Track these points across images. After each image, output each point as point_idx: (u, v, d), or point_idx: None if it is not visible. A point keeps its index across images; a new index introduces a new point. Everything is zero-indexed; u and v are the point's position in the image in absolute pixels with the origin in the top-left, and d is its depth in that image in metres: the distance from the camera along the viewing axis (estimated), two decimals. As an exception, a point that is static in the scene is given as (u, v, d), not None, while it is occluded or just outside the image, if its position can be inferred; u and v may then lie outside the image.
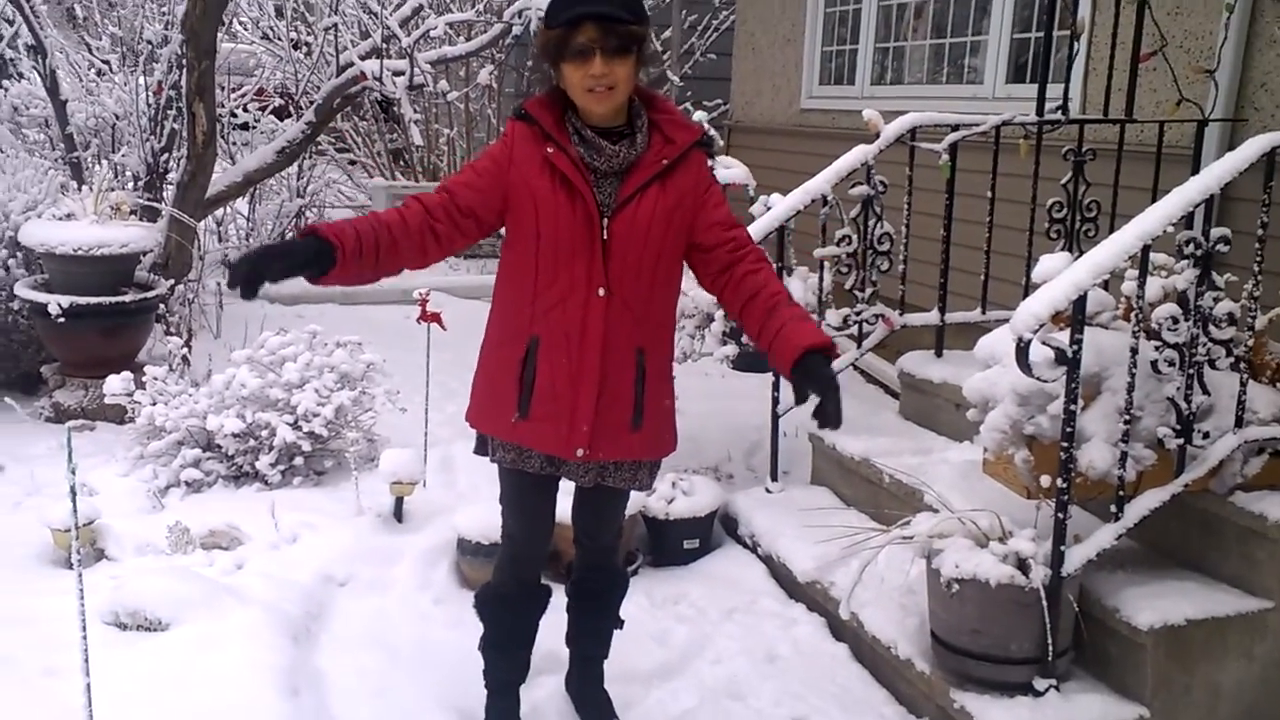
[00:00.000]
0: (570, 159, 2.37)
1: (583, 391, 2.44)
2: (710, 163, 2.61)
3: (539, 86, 2.52)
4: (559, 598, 2.89)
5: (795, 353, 2.25)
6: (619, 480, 2.60)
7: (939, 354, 4.20)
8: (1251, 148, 2.72)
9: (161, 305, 5.55)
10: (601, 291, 2.39)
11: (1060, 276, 2.57)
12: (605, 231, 2.38)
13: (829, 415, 2.20)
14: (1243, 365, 2.80)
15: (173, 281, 5.69)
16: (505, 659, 2.81)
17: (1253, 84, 3.94)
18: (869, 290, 4.08)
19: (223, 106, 7.39)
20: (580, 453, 2.47)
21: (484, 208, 2.41)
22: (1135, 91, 3.94)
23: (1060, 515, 2.65)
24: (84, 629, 2.55)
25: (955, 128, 4.03)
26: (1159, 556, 3.00)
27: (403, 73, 6.23)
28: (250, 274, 2.11)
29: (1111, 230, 3.99)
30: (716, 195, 2.51)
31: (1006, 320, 3.98)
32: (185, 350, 4.93)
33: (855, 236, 4.03)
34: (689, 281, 4.48)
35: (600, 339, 2.41)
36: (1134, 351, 2.66)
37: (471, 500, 3.96)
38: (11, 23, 7.75)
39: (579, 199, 2.37)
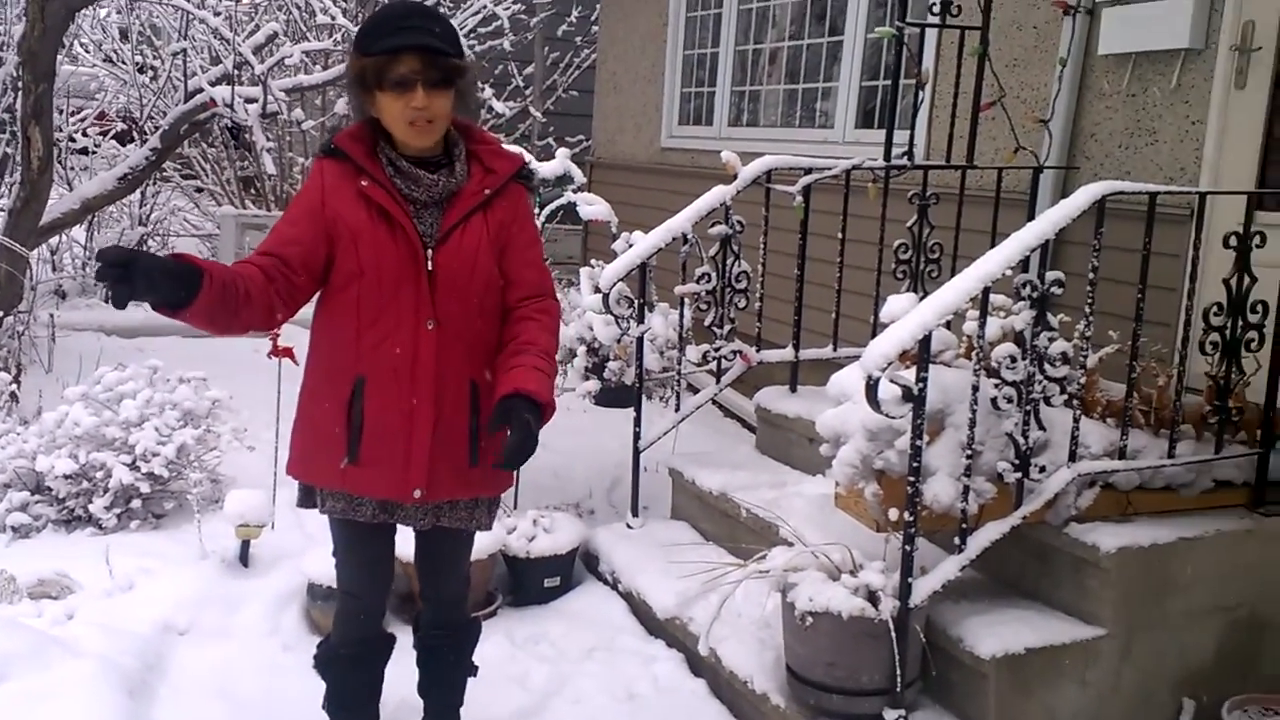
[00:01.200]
0: (386, 190, 2.33)
1: (418, 429, 2.36)
2: (533, 197, 2.62)
3: (350, 118, 2.48)
4: (407, 638, 2.80)
5: (506, 389, 2.27)
6: (455, 520, 2.53)
7: (794, 389, 4.29)
8: (1083, 196, 2.87)
9: (-12, 338, 5.23)
10: (431, 324, 2.34)
11: (907, 317, 2.66)
12: (430, 262, 2.34)
13: (508, 455, 2.22)
14: (1075, 402, 2.94)
15: (1, 314, 5.37)
16: (352, 715, 2.71)
17: (1084, 134, 4.18)
18: (727, 327, 4.14)
19: (61, 130, 7.04)
20: (418, 494, 2.39)
21: (312, 257, 2.33)
22: (976, 139, 4.13)
23: (907, 548, 2.72)
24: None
25: (809, 170, 4.15)
26: (1000, 586, 3.11)
27: (255, 100, 6.06)
28: (119, 266, 1.95)
29: (954, 271, 4.16)
30: (531, 232, 2.51)
31: (857, 357, 4.11)
32: (14, 386, 4.66)
33: (714, 274, 4.09)
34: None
35: (433, 373, 2.35)
36: (975, 389, 2.76)
37: (322, 543, 3.75)
38: None
39: (399, 230, 2.32)
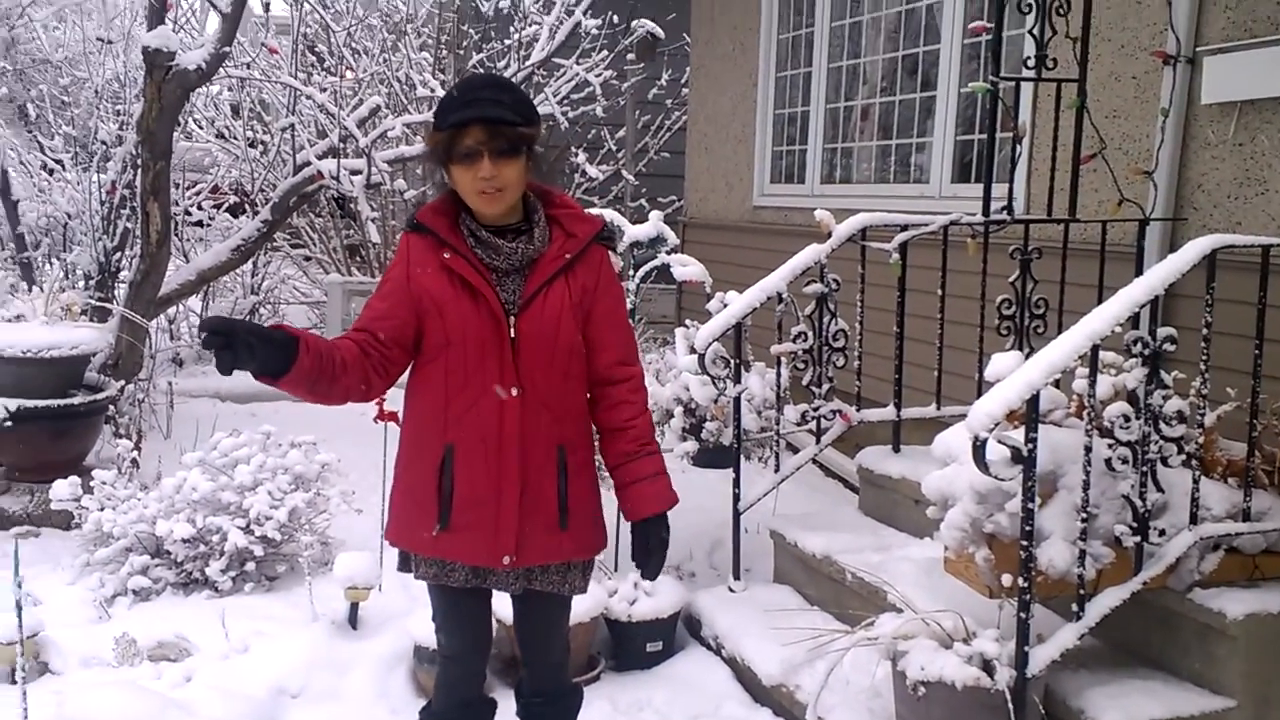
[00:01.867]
0: (467, 261, 2.39)
1: (505, 495, 2.40)
2: (615, 257, 2.65)
3: (435, 191, 2.55)
4: (510, 703, 2.80)
5: (639, 515, 2.50)
6: (548, 584, 2.54)
7: (896, 449, 4.23)
8: (1192, 250, 2.81)
9: (111, 406, 5.46)
10: (515, 391, 2.38)
11: (1013, 376, 2.61)
12: (513, 330, 2.38)
13: (650, 569, 2.52)
14: (1194, 462, 2.85)
15: (123, 383, 5.61)
16: None
17: (1190, 184, 4.09)
18: (826, 386, 4.12)
19: (177, 204, 7.38)
20: (507, 560, 2.42)
21: (403, 332, 2.41)
22: (1078, 192, 4.06)
23: (1023, 615, 2.65)
24: (25, 753, 2.45)
25: (904, 227, 4.13)
26: (1121, 654, 3.00)
27: (360, 171, 6.28)
28: (221, 334, 2.06)
29: (1060, 326, 4.08)
30: (615, 295, 2.52)
31: (961, 416, 4.04)
32: (135, 453, 4.84)
33: (811, 333, 4.08)
34: (649, 377, 4.51)
35: (518, 439, 2.39)
36: (1088, 449, 2.70)
37: (427, 605, 3.84)
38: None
39: (482, 300, 2.37)
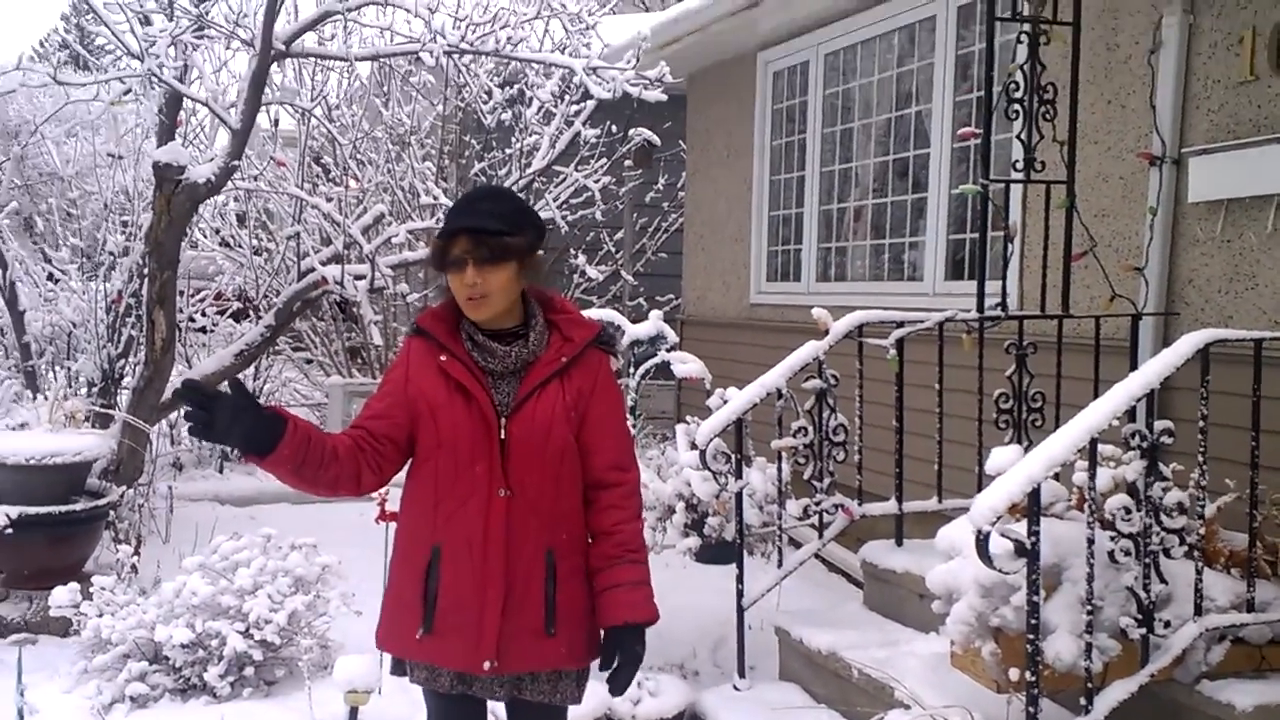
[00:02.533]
0: (463, 363, 2.44)
1: (489, 598, 2.39)
2: (615, 362, 2.69)
3: (437, 295, 2.62)
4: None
5: (609, 622, 2.43)
6: (538, 694, 2.49)
7: (899, 543, 4.23)
8: (1186, 344, 2.86)
9: (111, 511, 5.45)
10: (503, 492, 2.40)
11: (1013, 470, 2.64)
12: (503, 431, 2.41)
13: (617, 684, 2.41)
14: (1196, 553, 2.86)
15: (124, 488, 5.61)
16: None
17: (1181, 280, 4.16)
18: (827, 480, 4.13)
19: (181, 311, 7.48)
20: (487, 665, 2.39)
21: (397, 431, 2.46)
22: (1070, 288, 4.14)
23: (1031, 710, 2.63)
24: None
25: (900, 324, 4.19)
26: (1133, 749, 2.96)
27: (364, 276, 6.38)
28: (198, 400, 2.12)
29: (1058, 419, 4.11)
30: (611, 400, 2.54)
31: (963, 509, 4.05)
32: (135, 558, 4.82)
33: (811, 428, 4.11)
34: (649, 474, 4.53)
35: (503, 542, 2.39)
36: (1091, 542, 2.71)
37: (430, 709, 3.83)
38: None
39: (474, 402, 2.41)
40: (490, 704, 2.63)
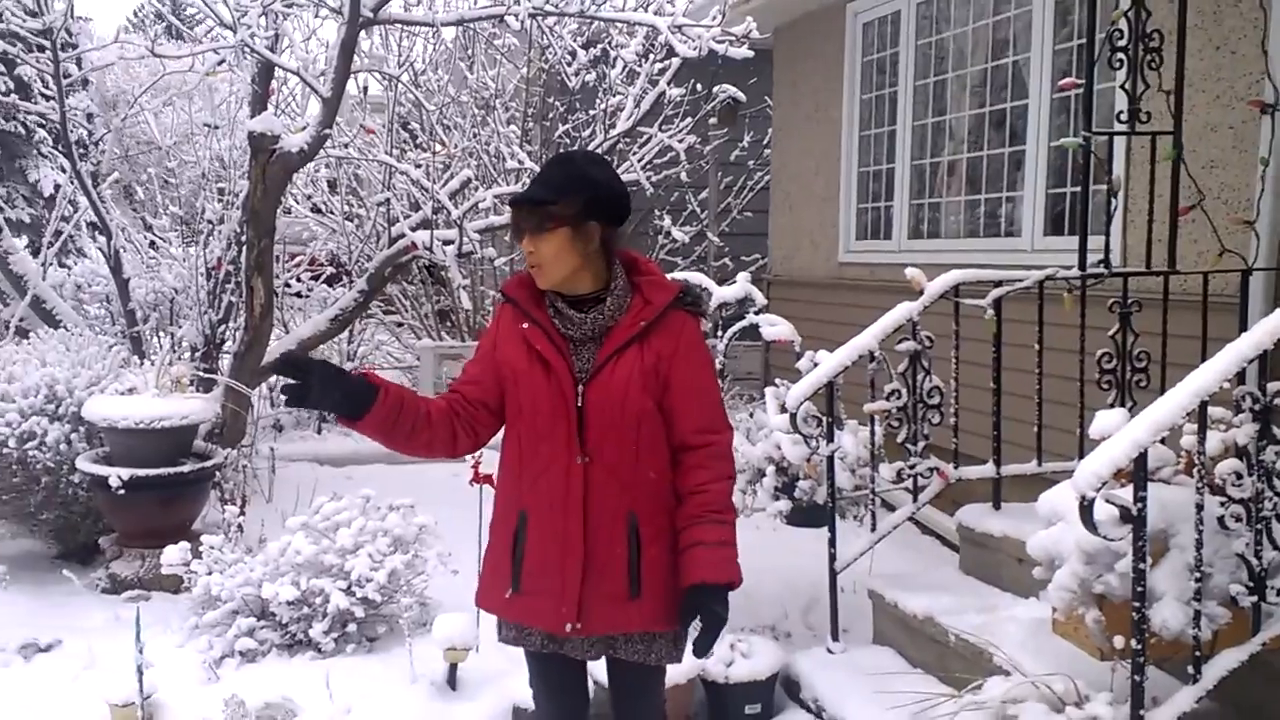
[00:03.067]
0: (544, 331, 2.46)
1: (569, 562, 2.42)
2: (704, 322, 2.65)
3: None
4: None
5: (689, 580, 2.39)
6: (632, 654, 2.51)
7: (997, 506, 4.16)
8: (1302, 300, 2.74)
9: (217, 473, 5.63)
10: (581, 459, 2.41)
11: (1119, 434, 2.57)
12: (580, 399, 2.42)
13: (700, 645, 2.37)
14: (1313, 518, 2.75)
15: (228, 450, 5.79)
16: None
17: (1293, 233, 3.99)
18: (921, 444, 4.07)
19: (277, 277, 7.65)
20: (569, 628, 2.43)
21: (488, 395, 2.51)
22: (1176, 243, 3.99)
23: (1137, 678, 2.57)
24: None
25: (998, 283, 4.09)
26: (1240, 716, 2.89)
27: (452, 241, 6.45)
28: (294, 372, 2.27)
29: (1163, 378, 3.99)
30: (696, 361, 2.50)
31: (1063, 472, 3.97)
32: (241, 518, 4.99)
33: (905, 390, 4.05)
34: (739, 436, 4.52)
35: (583, 507, 2.41)
36: (1199, 508, 2.63)
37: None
38: (75, 205, 8.18)
39: (552, 370, 2.43)
40: (592, 664, 2.66)
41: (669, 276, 2.64)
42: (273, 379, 7.52)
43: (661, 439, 2.47)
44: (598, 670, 2.79)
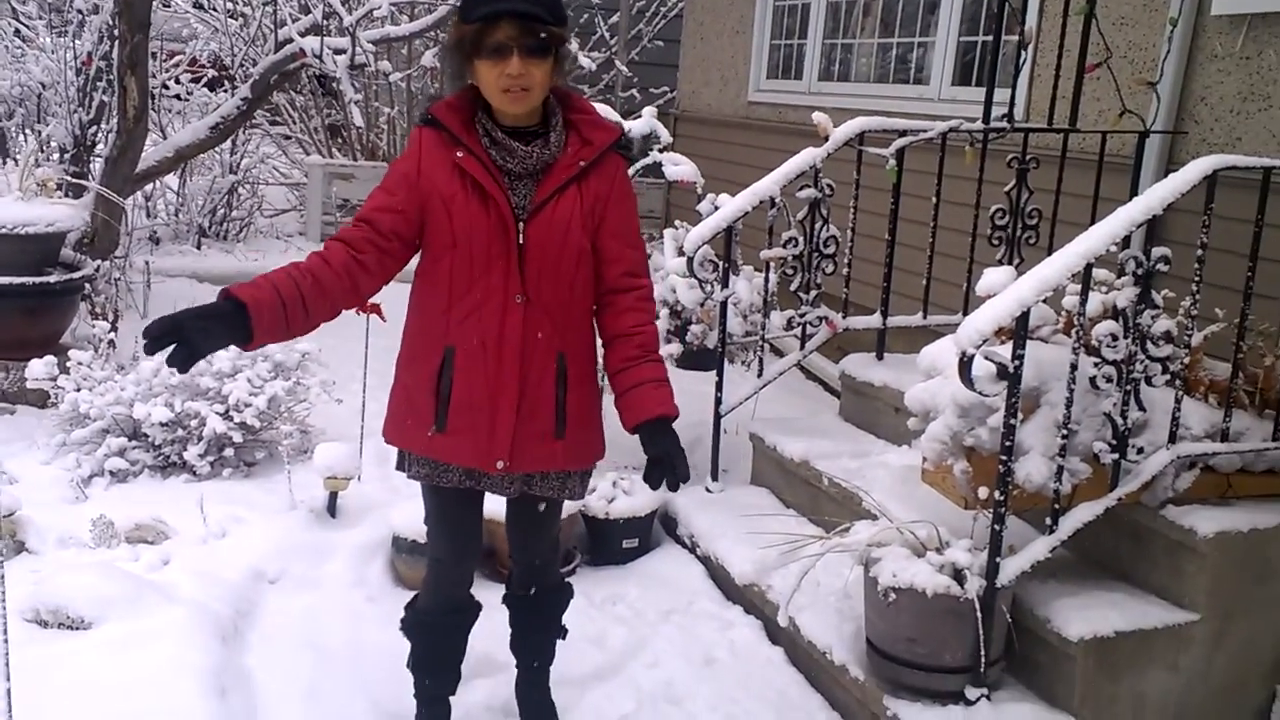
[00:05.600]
0: (481, 162, 2.31)
1: (502, 401, 2.37)
2: (631, 166, 2.56)
3: (451, 84, 2.44)
4: (494, 596, 2.83)
5: (643, 416, 2.35)
6: (547, 490, 2.53)
7: (880, 357, 4.22)
8: (1193, 170, 2.75)
9: (87, 285, 5.38)
10: (519, 298, 2.34)
11: (1005, 292, 2.58)
12: (521, 236, 2.32)
13: (670, 482, 2.32)
14: (1178, 382, 2.85)
15: (99, 261, 5.52)
16: (435, 678, 2.75)
17: (1193, 97, 4.00)
18: (813, 293, 4.08)
19: (154, 77, 7.16)
20: (500, 465, 2.40)
21: (406, 225, 2.34)
22: (1080, 101, 3.98)
23: (997, 527, 2.67)
24: (3, 630, 2.46)
25: (903, 133, 4.04)
26: (1090, 567, 3.04)
27: (344, 51, 6.10)
28: (165, 341, 2.01)
29: (1052, 236, 4.04)
30: (629, 206, 2.45)
31: (947, 326, 4.03)
32: (112, 333, 4.79)
33: (802, 239, 4.02)
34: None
35: (519, 346, 2.35)
36: (1074, 367, 2.68)
37: (408, 496, 3.86)
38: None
39: (492, 203, 2.31)
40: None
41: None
42: (149, 187, 7.15)
43: (591, 281, 2.42)
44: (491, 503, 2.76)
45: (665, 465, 2.33)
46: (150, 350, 2.04)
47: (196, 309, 2.09)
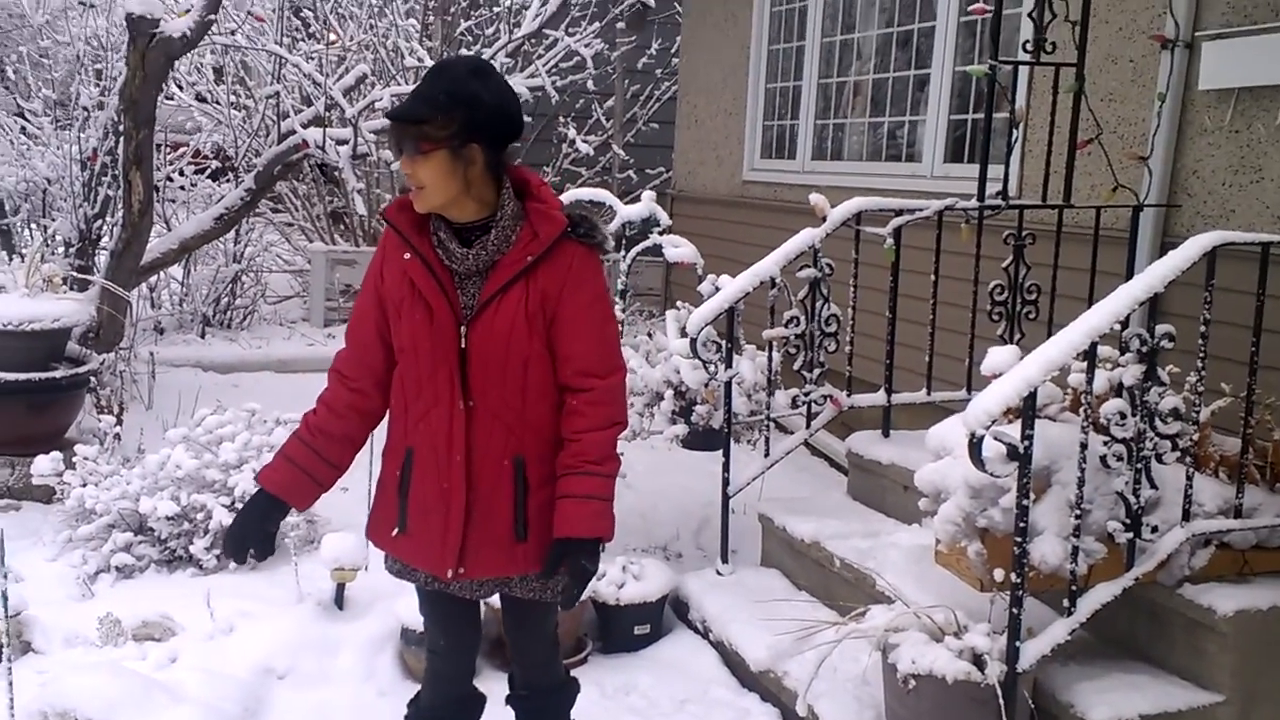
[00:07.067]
0: (426, 264, 2.28)
1: (452, 509, 2.33)
2: (606, 256, 2.45)
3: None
4: (502, 687, 2.75)
5: (558, 533, 2.31)
6: (528, 591, 2.45)
7: (886, 434, 4.22)
8: (1193, 247, 2.79)
9: (92, 378, 5.39)
10: (464, 404, 2.29)
11: (1011, 372, 2.60)
12: (463, 340, 2.28)
13: (564, 600, 2.36)
14: (1188, 459, 2.85)
15: (104, 355, 5.54)
16: None
17: (1185, 170, 4.06)
18: (817, 371, 4.09)
19: (158, 169, 7.26)
20: (450, 573, 2.36)
21: (388, 332, 2.38)
22: (1073, 176, 4.04)
23: (1015, 610, 2.65)
24: (10, 741, 2.43)
25: (899, 212, 4.09)
26: (1109, 648, 3.01)
27: (346, 141, 6.19)
28: (241, 550, 2.41)
29: (1052, 310, 4.07)
30: (586, 298, 2.31)
31: (951, 402, 4.04)
32: (118, 426, 4.79)
33: (803, 317, 4.05)
34: (638, 359, 4.48)
35: (465, 452, 2.31)
36: (1083, 446, 2.69)
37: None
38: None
39: (431, 310, 2.28)
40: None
41: (569, 193, 2.52)
42: (153, 280, 7.21)
43: (549, 381, 2.34)
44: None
45: (567, 581, 2.33)
46: (242, 561, 2.46)
47: (243, 517, 2.44)
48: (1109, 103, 4.33)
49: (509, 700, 2.74)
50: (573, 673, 2.87)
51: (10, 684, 2.49)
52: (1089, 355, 2.69)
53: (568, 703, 2.74)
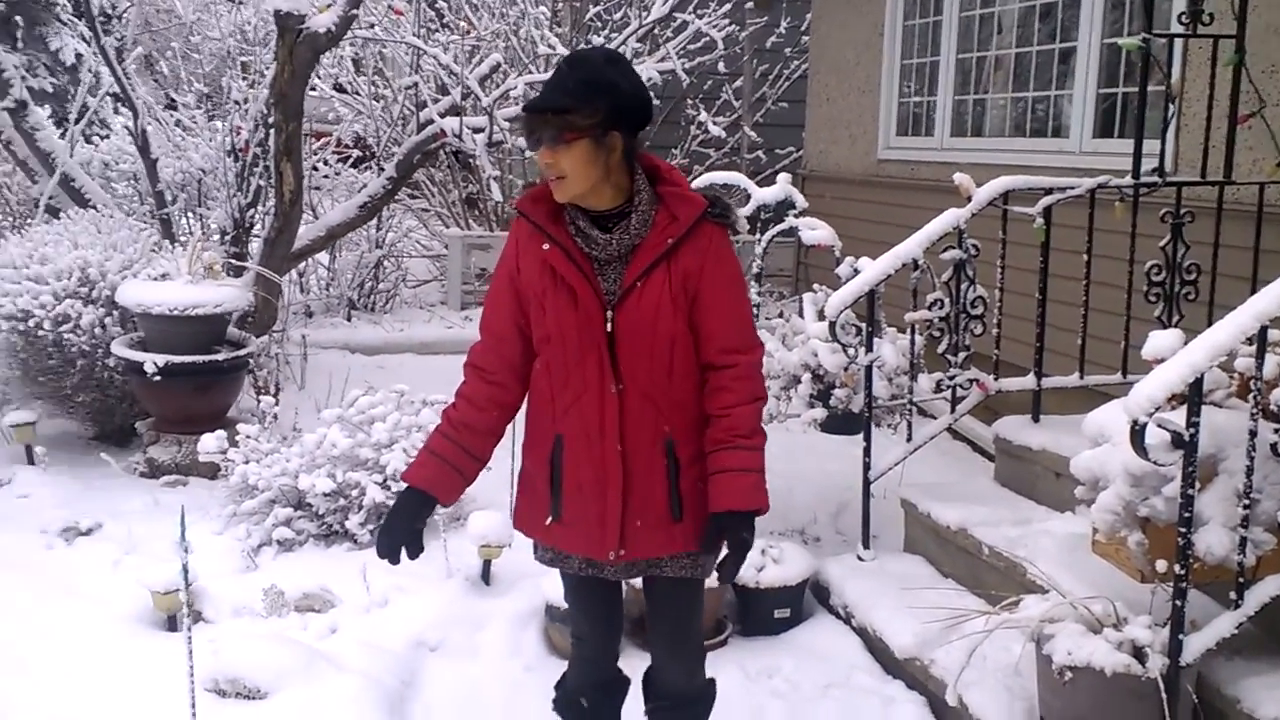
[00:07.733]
0: (566, 253, 2.31)
1: (609, 492, 2.35)
2: (735, 236, 2.47)
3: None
4: (644, 660, 2.73)
5: (717, 508, 2.35)
6: (678, 570, 2.47)
7: (1036, 419, 4.11)
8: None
9: (250, 360, 5.66)
10: (615, 388, 2.32)
11: (1175, 357, 2.51)
12: (610, 324, 2.30)
13: (724, 572, 2.37)
14: (1367, 447, 2.71)
15: (261, 337, 5.80)
16: None
17: (1357, 143, 3.84)
18: (962, 355, 4.02)
19: (304, 159, 7.54)
20: (612, 555, 2.38)
21: (524, 322, 2.41)
22: (1233, 151, 3.86)
23: (1178, 602, 2.57)
24: (193, 704, 2.59)
25: (1049, 190, 3.98)
26: (1277, 643, 2.89)
27: (482, 129, 6.32)
28: (394, 549, 2.42)
29: (1212, 291, 3.91)
30: (724, 277, 2.35)
31: (1104, 386, 3.92)
32: (276, 407, 5.02)
33: (947, 300, 3.98)
34: (774, 342, 4.47)
35: (619, 435, 2.33)
36: (1252, 434, 2.59)
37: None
38: (98, 76, 8.03)
39: (577, 296, 2.30)
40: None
41: (703, 176, 2.52)
42: (302, 265, 7.49)
43: (694, 360, 2.38)
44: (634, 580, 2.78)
45: (723, 558, 2.37)
46: (395, 561, 2.43)
47: (393, 518, 2.45)
48: (1271, 74, 4.12)
49: (648, 712, 2.69)
50: (714, 655, 2.86)
51: (190, 652, 2.63)
52: (1259, 339, 2.58)
53: (706, 713, 2.70)
